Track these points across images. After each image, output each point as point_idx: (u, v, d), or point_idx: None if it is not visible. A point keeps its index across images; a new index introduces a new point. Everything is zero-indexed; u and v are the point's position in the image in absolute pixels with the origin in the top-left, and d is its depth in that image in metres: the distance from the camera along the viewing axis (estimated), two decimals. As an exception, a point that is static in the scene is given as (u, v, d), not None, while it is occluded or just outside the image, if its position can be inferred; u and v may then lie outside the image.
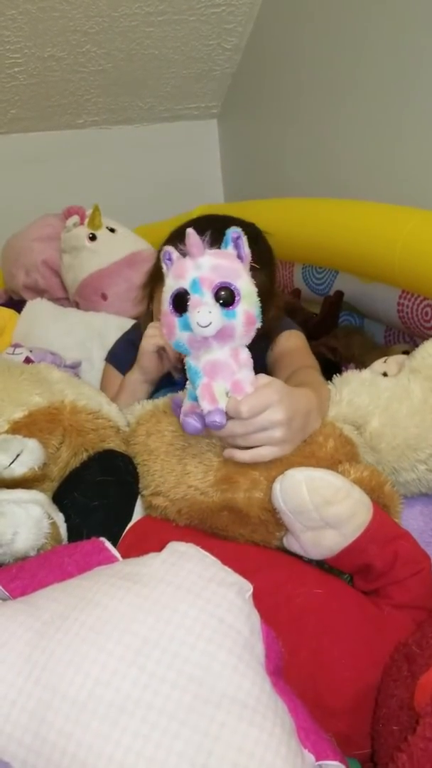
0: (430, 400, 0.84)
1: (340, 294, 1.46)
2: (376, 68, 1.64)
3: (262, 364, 1.19)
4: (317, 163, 2.01)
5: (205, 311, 0.66)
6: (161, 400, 0.92)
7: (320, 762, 0.51)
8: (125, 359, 1.22)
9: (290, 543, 0.74)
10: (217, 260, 0.68)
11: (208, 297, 0.67)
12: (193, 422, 0.72)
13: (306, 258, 1.60)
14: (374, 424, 0.83)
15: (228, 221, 0.93)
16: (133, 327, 1.34)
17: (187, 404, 0.74)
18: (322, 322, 1.45)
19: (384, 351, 1.30)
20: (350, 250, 1.36)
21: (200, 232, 0.78)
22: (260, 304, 0.72)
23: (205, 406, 0.69)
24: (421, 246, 1.17)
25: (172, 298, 0.69)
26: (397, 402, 0.84)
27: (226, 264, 0.69)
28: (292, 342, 1.16)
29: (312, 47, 1.93)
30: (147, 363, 1.08)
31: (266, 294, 0.99)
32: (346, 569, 0.74)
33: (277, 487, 0.71)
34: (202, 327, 0.66)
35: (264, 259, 1.05)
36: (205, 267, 0.68)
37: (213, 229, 0.80)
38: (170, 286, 0.69)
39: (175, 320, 0.69)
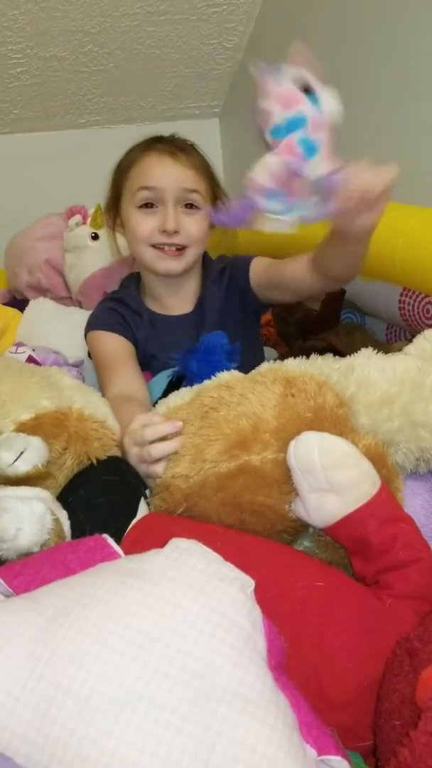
0: (411, 368, 0.88)
1: (341, 291, 1.46)
2: (378, 66, 1.64)
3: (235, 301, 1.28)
4: (319, 162, 2.01)
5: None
6: (175, 397, 0.95)
7: (322, 756, 0.51)
8: (111, 322, 1.26)
9: (297, 507, 0.78)
10: None
11: None
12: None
13: (307, 256, 1.60)
14: (351, 389, 0.88)
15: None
16: (109, 297, 1.36)
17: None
18: (321, 317, 1.45)
19: (386, 348, 1.30)
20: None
21: (173, 145, 1.22)
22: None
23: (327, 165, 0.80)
24: (423, 243, 1.17)
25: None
26: (376, 371, 0.89)
27: None
28: (266, 260, 1.28)
29: (313, 46, 1.92)
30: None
31: (215, 176, 1.25)
32: (344, 541, 0.76)
33: (292, 444, 0.76)
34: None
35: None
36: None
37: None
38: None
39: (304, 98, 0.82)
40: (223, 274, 1.30)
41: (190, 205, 1.18)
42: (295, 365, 0.91)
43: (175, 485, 0.83)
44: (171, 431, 0.86)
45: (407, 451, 0.86)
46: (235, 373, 0.91)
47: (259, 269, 1.27)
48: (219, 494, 0.81)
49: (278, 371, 0.88)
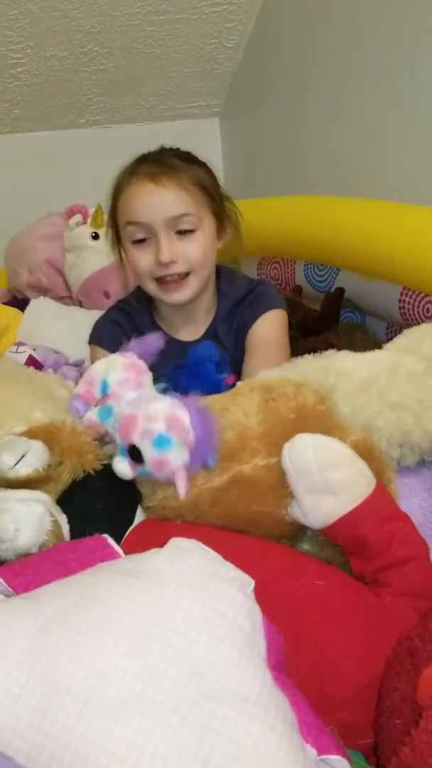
0: (387, 357, 0.90)
1: (340, 291, 1.46)
2: (378, 65, 1.64)
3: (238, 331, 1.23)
4: (319, 161, 2.01)
5: None
6: None
7: (322, 756, 0.51)
8: (111, 339, 1.22)
9: (293, 509, 0.78)
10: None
11: None
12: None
13: (307, 256, 1.60)
14: (331, 380, 0.89)
15: (168, 153, 1.14)
16: (116, 307, 1.34)
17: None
18: (322, 318, 1.45)
19: (386, 348, 1.30)
20: (351, 248, 1.37)
21: (156, 165, 1.11)
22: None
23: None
24: (422, 243, 1.17)
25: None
26: (353, 362, 0.91)
27: None
28: (265, 332, 1.20)
29: (313, 45, 1.93)
30: None
31: (215, 185, 1.16)
32: (341, 542, 0.76)
33: (286, 447, 0.77)
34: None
35: (199, 161, 1.18)
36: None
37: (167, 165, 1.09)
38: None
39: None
40: (238, 308, 1.24)
41: (184, 231, 1.11)
42: (268, 374, 0.91)
43: (169, 507, 0.83)
44: None
45: (390, 437, 0.86)
46: (210, 396, 0.89)
47: (253, 339, 1.20)
48: (214, 509, 0.81)
49: (253, 382, 0.89)
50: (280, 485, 0.78)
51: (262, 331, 1.20)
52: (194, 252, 1.11)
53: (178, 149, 1.19)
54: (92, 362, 1.25)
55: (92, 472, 0.89)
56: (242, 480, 0.80)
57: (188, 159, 1.16)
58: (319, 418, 0.82)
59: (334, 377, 0.89)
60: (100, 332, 1.28)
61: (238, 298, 1.24)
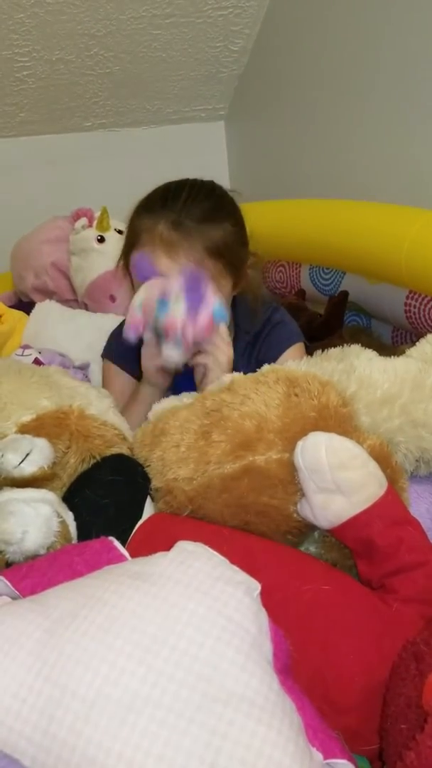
0: (412, 369, 0.89)
1: (344, 294, 1.46)
2: (384, 69, 1.64)
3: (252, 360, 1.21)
4: (324, 165, 2.01)
5: None
6: (174, 399, 0.95)
7: (328, 760, 0.51)
8: (124, 355, 1.22)
9: (302, 508, 0.78)
10: None
11: None
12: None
13: (313, 259, 1.60)
14: (352, 388, 0.88)
15: (187, 185, 1.10)
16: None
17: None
18: (326, 322, 1.45)
19: (391, 351, 1.30)
20: (357, 251, 1.37)
21: (172, 197, 1.08)
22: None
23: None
24: (428, 246, 1.17)
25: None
26: (377, 371, 0.90)
27: None
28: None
29: (319, 49, 1.93)
30: (156, 380, 1.11)
31: (237, 243, 1.10)
32: (349, 543, 0.76)
33: (299, 444, 0.76)
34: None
35: (227, 208, 1.12)
36: None
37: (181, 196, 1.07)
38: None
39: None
40: (255, 343, 1.20)
41: None
42: (296, 366, 0.91)
43: (178, 488, 0.83)
44: None
45: (407, 452, 0.86)
46: (237, 375, 0.91)
47: None
48: (223, 496, 0.81)
49: (280, 371, 0.88)
50: (291, 481, 0.79)
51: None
52: None
53: (204, 197, 1.09)
54: (104, 379, 1.27)
55: (99, 461, 0.89)
56: (254, 470, 0.80)
57: (213, 217, 1.07)
58: (339, 420, 0.82)
59: (356, 385, 0.87)
60: (112, 347, 1.28)
61: (255, 331, 1.21)
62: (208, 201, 1.09)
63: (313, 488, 0.75)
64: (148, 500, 0.87)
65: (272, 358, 1.16)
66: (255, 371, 1.18)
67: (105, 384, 1.26)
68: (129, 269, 1.14)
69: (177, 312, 0.97)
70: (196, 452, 0.83)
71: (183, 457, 0.84)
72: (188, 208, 1.06)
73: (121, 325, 1.31)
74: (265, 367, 0.91)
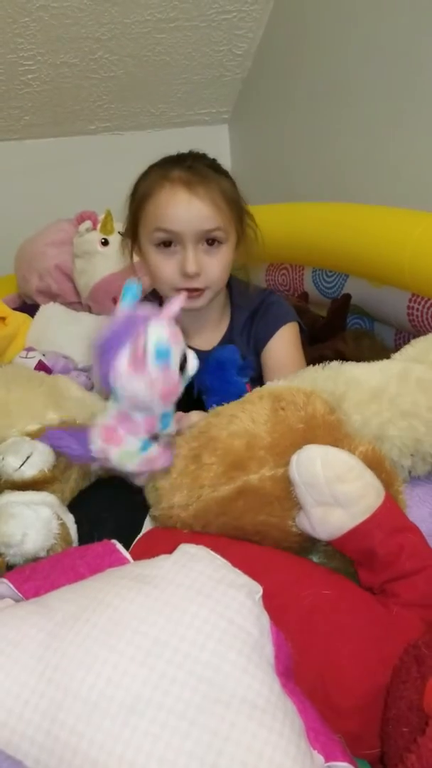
0: (397, 366, 0.90)
1: (347, 297, 1.46)
2: (386, 73, 1.65)
3: (256, 345, 1.23)
4: (327, 168, 2.01)
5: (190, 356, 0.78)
6: None
7: (329, 763, 0.51)
8: None
9: (301, 521, 0.77)
10: None
11: None
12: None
13: (316, 262, 1.60)
14: (341, 389, 0.88)
15: (190, 157, 1.13)
16: None
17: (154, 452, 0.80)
18: (328, 324, 1.45)
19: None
20: (360, 254, 1.37)
21: (178, 156, 1.13)
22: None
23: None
24: (431, 250, 1.17)
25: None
26: (363, 371, 0.91)
27: None
28: (281, 352, 1.21)
29: (322, 53, 1.93)
30: None
31: (239, 198, 1.16)
32: (350, 553, 0.76)
33: (294, 458, 0.76)
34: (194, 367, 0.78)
35: (225, 171, 1.18)
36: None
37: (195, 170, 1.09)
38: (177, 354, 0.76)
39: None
40: (252, 320, 1.24)
41: (212, 241, 1.10)
42: (277, 383, 0.91)
43: (175, 516, 0.82)
44: None
45: (402, 446, 0.86)
46: (222, 406, 0.89)
47: (267, 356, 1.21)
48: (221, 518, 0.80)
49: (263, 390, 0.88)
50: (287, 496, 0.78)
51: (278, 351, 1.20)
52: (216, 268, 1.11)
53: (206, 156, 1.18)
54: None
55: (102, 478, 0.89)
56: (249, 490, 0.79)
57: (218, 169, 1.16)
58: (328, 428, 0.81)
59: (344, 385, 0.88)
60: None
61: (251, 308, 1.24)
62: (209, 159, 1.18)
63: (310, 502, 0.74)
64: (147, 518, 0.87)
65: (268, 335, 1.20)
66: (251, 346, 1.22)
67: None
68: (137, 232, 1.16)
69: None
70: (188, 477, 0.82)
71: (176, 484, 0.83)
72: (197, 161, 1.14)
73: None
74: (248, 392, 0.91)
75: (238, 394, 0.93)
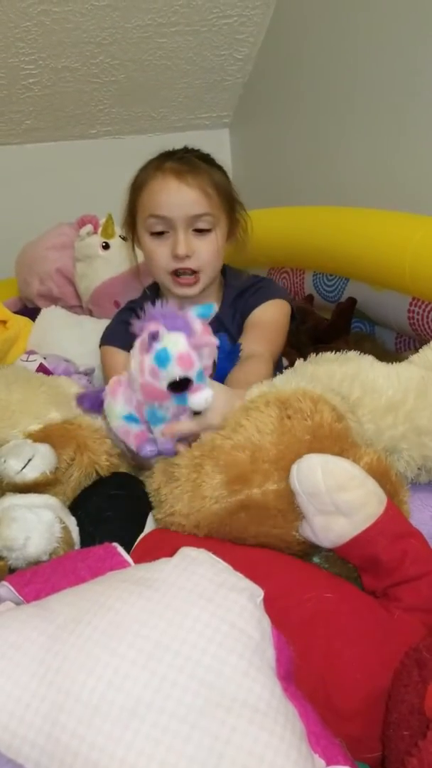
0: (415, 376, 0.88)
1: (352, 301, 1.46)
2: (387, 79, 1.65)
3: (238, 322, 1.26)
4: (328, 172, 2.02)
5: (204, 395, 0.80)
6: None
7: (331, 767, 0.51)
8: (123, 339, 1.22)
9: (304, 529, 0.77)
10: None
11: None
12: (150, 447, 0.85)
13: (317, 266, 1.60)
14: (356, 394, 0.87)
15: (187, 153, 1.21)
16: (126, 307, 1.36)
17: (136, 429, 0.86)
18: (332, 327, 1.46)
19: (395, 358, 1.30)
20: (361, 258, 1.37)
21: (171, 151, 1.21)
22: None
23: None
24: (431, 253, 1.17)
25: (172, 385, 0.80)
26: (381, 377, 0.89)
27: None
28: (266, 315, 1.24)
29: (323, 57, 1.94)
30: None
31: (231, 188, 1.22)
32: (354, 560, 0.75)
33: (294, 468, 0.75)
34: (199, 406, 0.81)
35: (217, 163, 1.25)
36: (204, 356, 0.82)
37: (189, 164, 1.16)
38: (173, 373, 0.79)
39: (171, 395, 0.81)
40: (242, 296, 1.28)
41: (202, 229, 1.17)
42: (283, 382, 0.87)
43: (176, 523, 0.81)
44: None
45: (410, 459, 0.85)
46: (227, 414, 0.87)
47: (250, 321, 1.24)
48: (223, 529, 0.79)
49: (269, 394, 0.84)
50: (290, 509, 0.77)
51: (262, 313, 1.24)
52: (207, 251, 1.17)
53: (200, 150, 1.26)
54: (104, 365, 1.28)
55: (104, 475, 0.89)
56: (252, 504, 0.77)
57: (210, 161, 1.23)
58: (334, 438, 0.79)
59: (360, 391, 0.86)
60: (110, 333, 1.31)
61: (243, 287, 1.29)
62: (202, 153, 1.26)
63: (312, 511, 0.74)
64: (150, 517, 0.87)
65: (256, 305, 1.24)
66: (236, 319, 1.25)
67: (105, 370, 1.28)
68: (135, 222, 1.23)
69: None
70: (190, 486, 0.80)
71: (177, 493, 0.81)
72: (189, 152, 1.23)
73: (118, 313, 1.34)
74: (254, 390, 0.88)
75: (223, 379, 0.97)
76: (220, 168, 1.25)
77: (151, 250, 1.20)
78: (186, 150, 1.24)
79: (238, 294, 1.28)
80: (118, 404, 0.87)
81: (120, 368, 1.17)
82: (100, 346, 1.31)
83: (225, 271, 1.31)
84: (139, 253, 1.32)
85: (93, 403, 0.92)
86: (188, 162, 1.19)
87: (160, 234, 1.17)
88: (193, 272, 1.18)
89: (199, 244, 1.16)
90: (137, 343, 0.84)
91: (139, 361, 0.82)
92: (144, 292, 1.37)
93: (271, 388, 0.87)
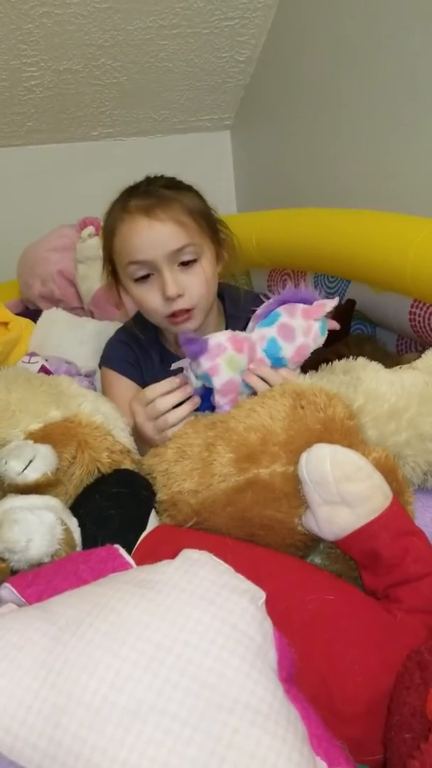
0: (419, 382, 0.89)
1: (351, 303, 1.46)
2: (388, 80, 1.65)
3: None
4: (330, 174, 2.02)
5: None
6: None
7: (332, 769, 0.51)
8: (124, 360, 1.24)
9: (307, 520, 0.78)
10: None
11: None
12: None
13: (318, 267, 1.60)
14: (359, 401, 0.88)
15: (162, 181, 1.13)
16: (121, 329, 1.34)
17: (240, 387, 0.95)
18: (332, 329, 1.45)
19: (396, 360, 1.30)
20: (362, 260, 1.37)
21: (134, 186, 1.13)
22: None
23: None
24: (433, 256, 1.17)
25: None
26: (385, 384, 0.90)
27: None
28: None
29: (324, 59, 1.94)
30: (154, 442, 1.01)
31: (207, 209, 1.15)
32: (354, 555, 0.76)
33: (303, 457, 0.76)
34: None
35: (185, 185, 1.17)
36: None
37: (158, 196, 1.08)
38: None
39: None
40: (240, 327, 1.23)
41: (186, 261, 1.09)
42: (301, 380, 0.91)
43: (183, 501, 0.83)
44: (182, 398, 0.91)
45: (415, 465, 0.86)
46: (243, 400, 0.92)
47: None
48: (228, 509, 0.81)
49: (286, 386, 0.88)
50: (295, 494, 0.78)
51: None
52: (197, 286, 1.10)
53: (163, 176, 1.17)
54: (105, 387, 1.26)
55: (106, 473, 0.89)
56: (258, 484, 0.80)
57: (177, 187, 1.14)
58: (345, 433, 0.81)
59: (363, 398, 0.87)
60: (111, 354, 1.28)
61: (246, 317, 1.20)
62: (166, 179, 1.17)
63: (317, 501, 0.75)
64: (153, 513, 0.87)
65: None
66: None
67: (105, 391, 1.26)
68: (115, 275, 1.18)
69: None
70: (201, 464, 0.83)
71: (188, 470, 0.84)
72: (152, 184, 1.14)
73: (118, 332, 1.32)
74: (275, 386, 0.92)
75: None
76: (190, 189, 1.16)
77: (140, 298, 1.12)
78: (149, 181, 1.15)
79: (242, 329, 1.24)
80: (244, 360, 0.93)
81: (124, 398, 1.15)
82: (100, 366, 1.29)
83: (222, 296, 1.25)
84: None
85: (196, 348, 0.93)
86: (153, 194, 1.09)
87: (145, 278, 1.10)
88: (188, 310, 1.11)
89: (188, 280, 1.09)
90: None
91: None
92: (137, 314, 1.34)
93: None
